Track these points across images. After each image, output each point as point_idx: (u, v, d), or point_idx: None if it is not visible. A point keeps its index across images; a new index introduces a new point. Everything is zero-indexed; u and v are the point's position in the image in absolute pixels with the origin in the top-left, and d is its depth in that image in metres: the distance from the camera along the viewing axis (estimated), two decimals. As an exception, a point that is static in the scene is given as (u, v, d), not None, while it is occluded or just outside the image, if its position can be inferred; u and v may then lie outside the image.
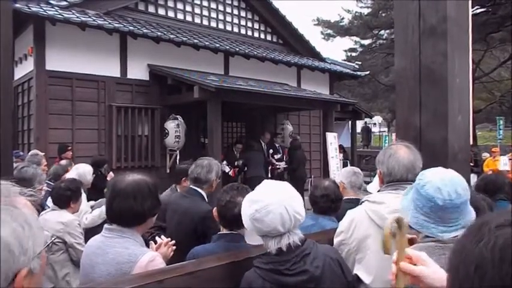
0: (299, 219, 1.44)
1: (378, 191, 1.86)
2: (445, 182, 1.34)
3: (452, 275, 0.63)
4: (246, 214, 1.47)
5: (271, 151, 9.32)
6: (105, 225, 1.72)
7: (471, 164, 10.90)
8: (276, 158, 9.32)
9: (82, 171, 4.09)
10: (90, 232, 3.20)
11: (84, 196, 3.92)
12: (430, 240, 1.35)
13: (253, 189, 2.05)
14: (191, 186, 2.81)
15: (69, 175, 4.15)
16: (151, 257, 1.61)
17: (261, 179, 6.85)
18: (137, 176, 1.74)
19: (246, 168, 8.50)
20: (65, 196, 3.12)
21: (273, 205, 1.39)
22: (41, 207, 3.15)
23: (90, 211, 3.78)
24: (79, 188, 3.26)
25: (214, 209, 2.01)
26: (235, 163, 8.63)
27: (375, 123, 16.91)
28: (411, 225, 1.39)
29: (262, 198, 1.43)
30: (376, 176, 2.24)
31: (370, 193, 2.01)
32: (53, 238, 2.84)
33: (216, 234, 2.49)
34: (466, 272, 0.59)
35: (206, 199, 2.76)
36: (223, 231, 1.99)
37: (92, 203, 3.90)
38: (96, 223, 3.59)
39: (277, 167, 9.28)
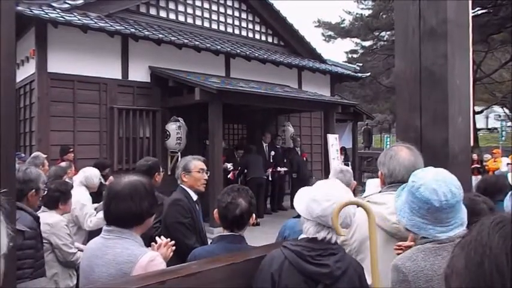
0: (347, 223, 1.51)
1: (379, 192, 1.86)
2: (439, 182, 1.34)
3: (470, 276, 0.58)
4: (306, 194, 1.56)
5: (272, 153, 9.34)
6: (104, 227, 1.72)
7: (478, 165, 10.87)
8: (276, 160, 9.35)
9: (89, 174, 4.10)
10: (94, 234, 3.21)
11: (89, 199, 3.93)
12: (427, 241, 1.36)
13: (253, 191, 2.09)
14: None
15: (76, 178, 4.16)
16: (151, 257, 1.62)
17: (261, 180, 7.01)
18: (133, 177, 1.75)
19: (246, 171, 8.51)
20: (54, 197, 3.12)
21: (337, 198, 1.46)
22: (39, 208, 3.15)
23: (94, 213, 3.79)
24: (68, 190, 3.26)
25: (215, 210, 2.02)
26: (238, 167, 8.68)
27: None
28: (408, 228, 1.40)
29: (331, 188, 1.52)
30: (368, 182, 2.25)
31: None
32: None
33: (182, 226, 2.64)
34: (493, 266, 0.56)
35: (190, 193, 2.82)
36: (224, 232, 1.99)
37: (96, 205, 3.91)
38: (100, 225, 3.57)
39: (278, 170, 9.31)
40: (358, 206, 1.50)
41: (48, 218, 3.03)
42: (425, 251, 1.32)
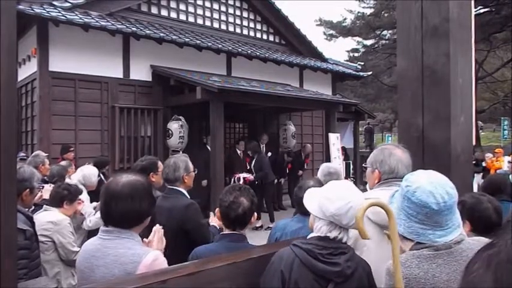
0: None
1: (371, 189, 1.86)
2: (434, 184, 1.31)
3: None
4: (318, 192, 1.55)
5: (269, 154, 9.31)
6: (102, 228, 1.70)
7: (483, 165, 10.81)
8: (275, 164, 9.21)
9: (87, 172, 4.08)
10: (93, 233, 3.20)
11: (87, 198, 3.92)
12: (422, 247, 1.31)
13: (271, 191, 2.06)
14: (168, 186, 2.83)
15: (74, 176, 4.14)
16: (155, 256, 1.62)
17: (273, 178, 6.73)
18: (130, 176, 1.73)
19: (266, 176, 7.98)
20: (60, 194, 3.10)
21: (349, 197, 1.46)
22: (41, 207, 3.15)
23: (93, 213, 3.78)
24: (77, 192, 3.23)
25: (217, 209, 2.01)
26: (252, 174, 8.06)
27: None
28: (405, 235, 1.35)
29: (345, 188, 1.51)
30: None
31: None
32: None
33: (203, 227, 2.59)
34: None
35: (187, 195, 2.79)
36: (226, 231, 1.99)
37: (95, 204, 3.91)
38: (99, 225, 3.58)
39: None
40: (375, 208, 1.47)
41: (52, 216, 3.02)
42: (420, 257, 1.28)
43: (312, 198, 1.57)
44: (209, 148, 7.72)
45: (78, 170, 4.24)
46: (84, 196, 3.88)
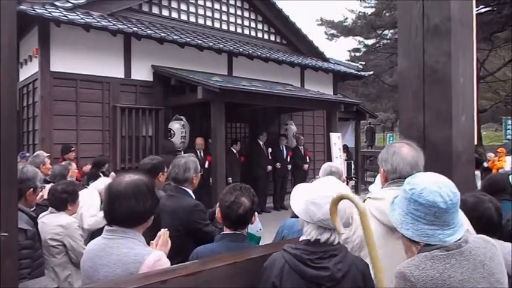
0: (350, 223, 1.50)
1: (381, 188, 1.85)
2: (439, 184, 1.31)
3: None
4: (304, 196, 1.51)
5: (269, 150, 9.39)
6: (106, 227, 1.71)
7: (485, 165, 10.76)
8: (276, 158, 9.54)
9: (98, 184, 4.12)
10: (95, 234, 3.21)
11: (98, 203, 3.93)
12: (433, 249, 1.30)
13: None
14: (174, 184, 2.83)
15: (93, 185, 4.20)
16: (157, 256, 1.62)
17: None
18: (133, 176, 1.74)
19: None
20: (61, 199, 3.11)
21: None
22: (46, 208, 3.16)
23: (96, 215, 3.79)
24: (76, 190, 3.25)
25: (217, 209, 2.01)
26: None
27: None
28: (414, 238, 1.34)
29: (329, 188, 1.47)
30: (378, 176, 2.23)
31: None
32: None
33: (208, 226, 2.60)
34: None
35: (192, 195, 2.80)
36: (227, 231, 1.99)
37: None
38: (100, 225, 3.60)
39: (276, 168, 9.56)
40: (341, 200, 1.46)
41: (60, 219, 3.04)
42: (433, 258, 1.28)
43: (298, 202, 1.54)
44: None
45: (98, 180, 4.29)
46: (96, 200, 3.90)
